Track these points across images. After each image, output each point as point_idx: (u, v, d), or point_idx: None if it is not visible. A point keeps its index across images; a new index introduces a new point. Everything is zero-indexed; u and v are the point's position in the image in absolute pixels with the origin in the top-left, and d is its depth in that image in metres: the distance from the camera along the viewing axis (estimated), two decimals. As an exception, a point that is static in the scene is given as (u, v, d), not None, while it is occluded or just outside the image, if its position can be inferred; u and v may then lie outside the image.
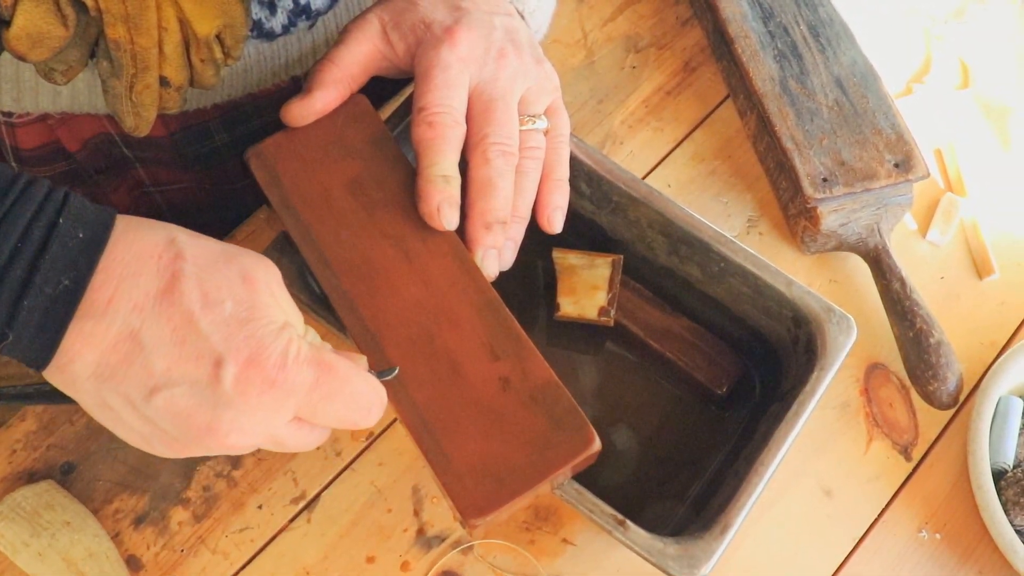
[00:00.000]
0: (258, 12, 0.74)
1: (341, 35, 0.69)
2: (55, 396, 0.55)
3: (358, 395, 0.55)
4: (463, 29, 0.66)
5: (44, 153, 0.81)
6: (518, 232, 0.68)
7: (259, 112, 0.84)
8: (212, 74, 0.68)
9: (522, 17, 0.72)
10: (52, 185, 0.52)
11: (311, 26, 0.79)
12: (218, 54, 0.67)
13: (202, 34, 0.64)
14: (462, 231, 0.66)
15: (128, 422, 0.53)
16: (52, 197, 0.52)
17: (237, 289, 0.53)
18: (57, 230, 0.51)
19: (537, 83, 0.69)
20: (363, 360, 0.59)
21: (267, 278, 0.54)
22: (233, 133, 0.85)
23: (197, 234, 0.55)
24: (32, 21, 0.60)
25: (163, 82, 0.67)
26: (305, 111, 0.68)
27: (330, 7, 0.79)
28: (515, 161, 0.66)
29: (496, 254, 0.66)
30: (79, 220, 0.51)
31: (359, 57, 0.68)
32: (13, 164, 0.86)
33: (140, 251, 0.52)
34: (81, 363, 0.51)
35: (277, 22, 0.76)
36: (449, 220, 0.64)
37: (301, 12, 0.76)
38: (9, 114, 0.78)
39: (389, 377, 0.60)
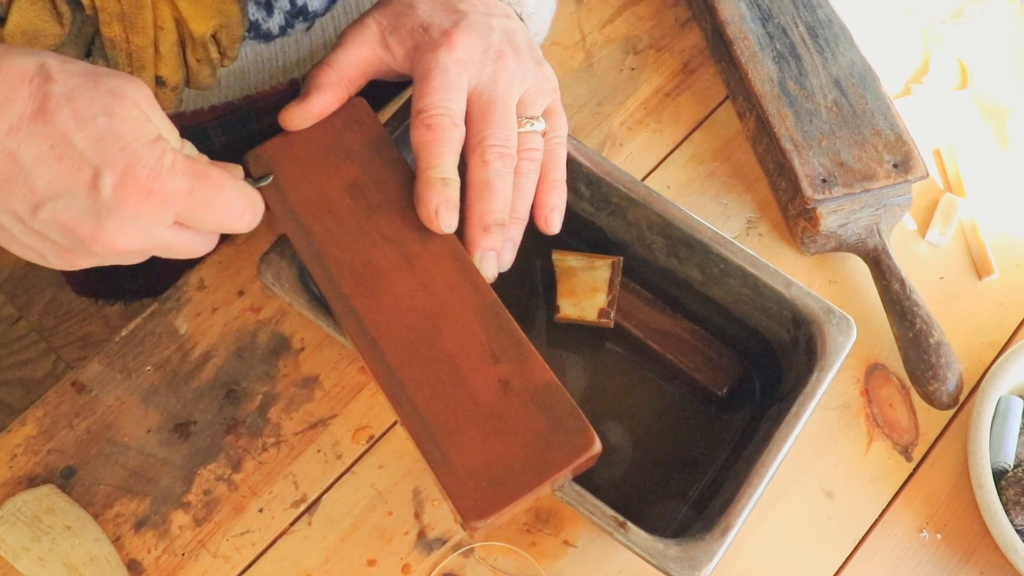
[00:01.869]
0: (255, 13, 0.74)
1: (339, 39, 0.69)
2: None
3: (232, 200, 0.58)
4: (461, 32, 0.66)
5: None
6: (517, 233, 0.68)
7: (257, 115, 0.84)
8: (208, 74, 0.68)
9: (521, 19, 0.73)
10: None
11: (308, 28, 0.79)
12: (214, 54, 0.67)
13: (198, 34, 0.64)
14: (461, 233, 0.66)
15: (21, 240, 0.56)
16: None
17: (108, 104, 0.55)
18: None
19: (536, 85, 0.69)
20: (238, 169, 0.62)
21: (136, 95, 0.56)
22: (231, 135, 0.85)
23: (67, 58, 0.56)
24: (27, 19, 0.60)
25: (159, 82, 0.67)
26: (303, 115, 0.68)
27: (327, 9, 0.79)
28: (513, 163, 0.66)
29: (495, 256, 0.66)
30: None
31: (357, 61, 0.68)
32: None
33: (11, 76, 0.54)
34: None
35: (274, 23, 0.76)
36: (447, 223, 0.64)
37: (298, 14, 0.77)
38: None
39: (264, 183, 0.65)
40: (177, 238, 0.58)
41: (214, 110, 0.81)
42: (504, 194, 0.65)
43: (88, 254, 0.56)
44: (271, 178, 0.66)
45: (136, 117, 0.55)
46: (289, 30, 0.78)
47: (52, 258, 0.57)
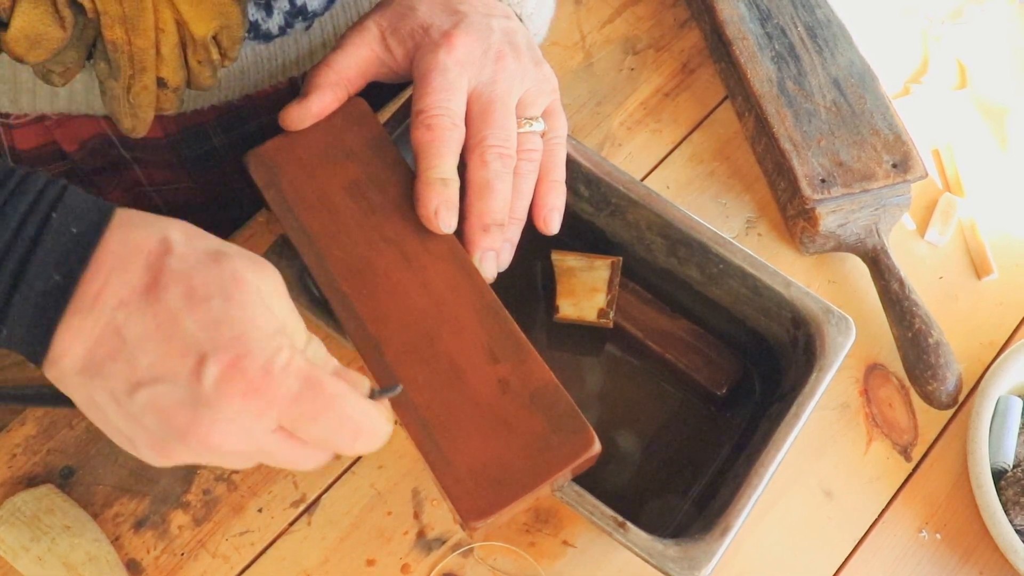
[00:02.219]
0: (254, 13, 0.74)
1: (339, 41, 0.69)
2: (51, 399, 0.55)
3: (344, 419, 0.53)
4: (461, 33, 0.66)
5: (41, 154, 0.82)
6: (515, 233, 0.68)
7: (256, 114, 0.84)
8: (209, 75, 0.68)
9: (520, 20, 0.73)
10: (49, 178, 0.52)
11: (308, 27, 0.79)
12: (215, 55, 0.67)
13: (199, 35, 0.64)
14: (460, 233, 0.66)
15: (114, 421, 0.52)
16: (47, 191, 0.52)
17: (228, 287, 0.51)
18: (50, 224, 0.51)
19: (535, 85, 0.69)
20: (364, 382, 0.56)
21: (260, 281, 0.53)
22: (231, 135, 0.85)
23: (195, 231, 0.54)
24: (30, 23, 0.60)
25: (160, 83, 0.67)
26: (302, 114, 0.68)
27: (327, 8, 0.79)
28: (512, 163, 0.66)
29: (494, 256, 0.66)
30: (73, 215, 0.51)
31: (356, 61, 0.68)
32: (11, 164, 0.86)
33: (132, 247, 0.51)
34: (71, 358, 0.51)
35: (274, 23, 0.76)
36: (447, 223, 0.64)
37: (297, 13, 0.77)
38: (6, 115, 0.78)
39: (391, 394, 0.57)
40: (280, 447, 0.53)
41: (214, 109, 0.81)
42: (503, 194, 0.65)
43: (183, 447, 0.52)
44: (399, 389, 0.58)
45: (254, 304, 0.52)
46: (288, 30, 0.78)
47: (143, 448, 0.53)
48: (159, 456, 0.53)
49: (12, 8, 0.59)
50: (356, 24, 0.69)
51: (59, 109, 0.76)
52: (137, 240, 0.52)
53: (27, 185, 0.52)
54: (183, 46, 0.65)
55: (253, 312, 0.51)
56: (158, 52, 0.65)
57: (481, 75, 0.67)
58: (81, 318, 0.50)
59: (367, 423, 0.54)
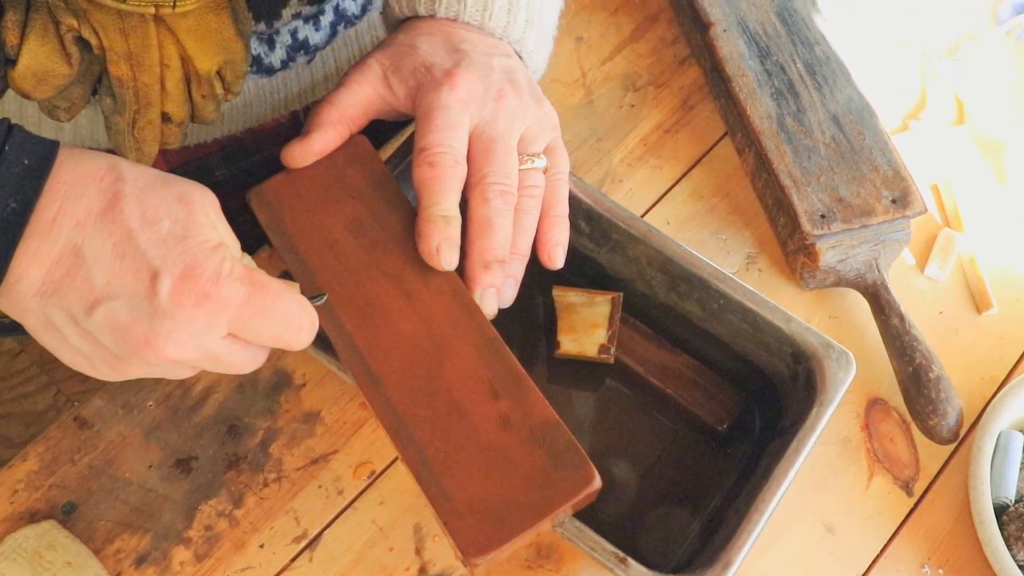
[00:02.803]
0: (257, 48, 0.75)
1: (342, 79, 0.70)
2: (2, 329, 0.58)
3: (289, 314, 0.58)
4: (463, 71, 0.67)
5: None
6: (518, 269, 0.68)
7: (259, 147, 0.85)
8: (213, 109, 0.69)
9: (520, 58, 0.73)
10: None
11: (309, 61, 0.80)
12: (219, 90, 0.68)
13: (203, 70, 0.65)
14: (462, 269, 0.66)
15: (71, 340, 0.55)
16: None
17: (175, 209, 0.55)
18: (3, 157, 0.53)
19: (536, 122, 0.70)
20: (295, 285, 0.61)
21: (203, 201, 0.57)
22: (233, 168, 0.86)
23: (137, 163, 0.57)
24: (37, 60, 0.61)
25: (165, 118, 0.68)
26: (304, 152, 0.68)
27: (328, 42, 0.80)
28: (514, 200, 0.67)
29: (495, 293, 0.66)
30: (23, 149, 0.54)
31: (359, 99, 0.69)
32: None
33: (83, 174, 0.54)
34: (28, 281, 0.54)
35: (276, 57, 0.77)
36: (448, 260, 0.65)
37: (300, 48, 0.77)
38: None
39: (319, 303, 0.63)
40: (228, 350, 0.57)
41: (217, 143, 0.82)
42: (504, 231, 0.66)
43: (138, 361, 0.55)
44: (325, 298, 0.65)
45: (201, 223, 0.56)
46: (291, 64, 0.79)
47: (100, 365, 0.57)
48: (114, 372, 0.57)
49: (20, 46, 0.60)
50: (358, 62, 0.70)
51: (64, 143, 0.77)
52: (89, 168, 0.55)
53: None
54: (187, 81, 0.66)
55: (199, 229, 0.55)
56: (163, 87, 0.66)
57: (483, 113, 0.67)
58: (39, 241, 0.53)
59: (306, 317, 0.59)
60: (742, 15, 0.94)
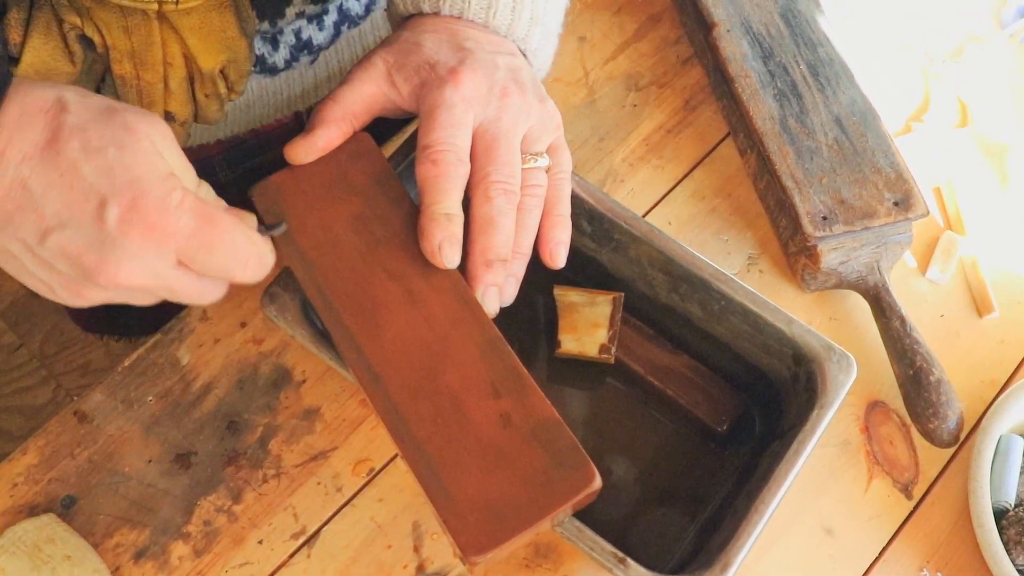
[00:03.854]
0: (261, 48, 0.75)
1: (346, 76, 0.70)
2: None
3: (236, 247, 0.58)
4: (467, 70, 0.67)
5: None
6: (520, 268, 0.68)
7: (262, 148, 0.85)
8: (216, 109, 0.69)
9: (525, 57, 0.73)
10: None
11: (313, 61, 0.79)
12: (222, 89, 0.68)
13: (207, 69, 0.65)
14: (464, 268, 0.66)
15: (30, 268, 0.57)
16: None
17: (120, 137, 0.55)
18: None
19: (540, 122, 0.70)
20: (252, 219, 0.62)
21: (150, 130, 0.57)
22: (236, 169, 0.86)
23: (87, 92, 0.57)
24: (40, 58, 0.61)
25: (168, 117, 0.68)
26: (308, 148, 0.68)
27: (332, 42, 0.79)
28: (516, 199, 0.67)
29: (497, 291, 0.66)
30: None
31: (362, 97, 0.69)
32: None
33: (29, 108, 0.55)
34: None
35: (280, 57, 0.77)
36: (450, 258, 0.65)
37: (303, 47, 0.77)
38: None
39: (277, 232, 0.64)
40: (180, 280, 0.58)
41: (220, 144, 0.82)
42: (507, 230, 0.66)
43: (94, 287, 0.56)
44: (284, 227, 0.65)
45: (147, 150, 0.56)
46: (294, 63, 0.78)
47: (60, 290, 0.57)
48: (75, 297, 0.58)
49: (23, 44, 0.60)
50: (362, 60, 0.70)
51: None
52: (35, 101, 0.55)
53: None
54: (191, 80, 0.66)
55: (145, 157, 0.56)
56: (166, 86, 0.66)
57: (486, 112, 0.67)
58: None
59: (256, 251, 0.60)
60: (745, 16, 0.94)
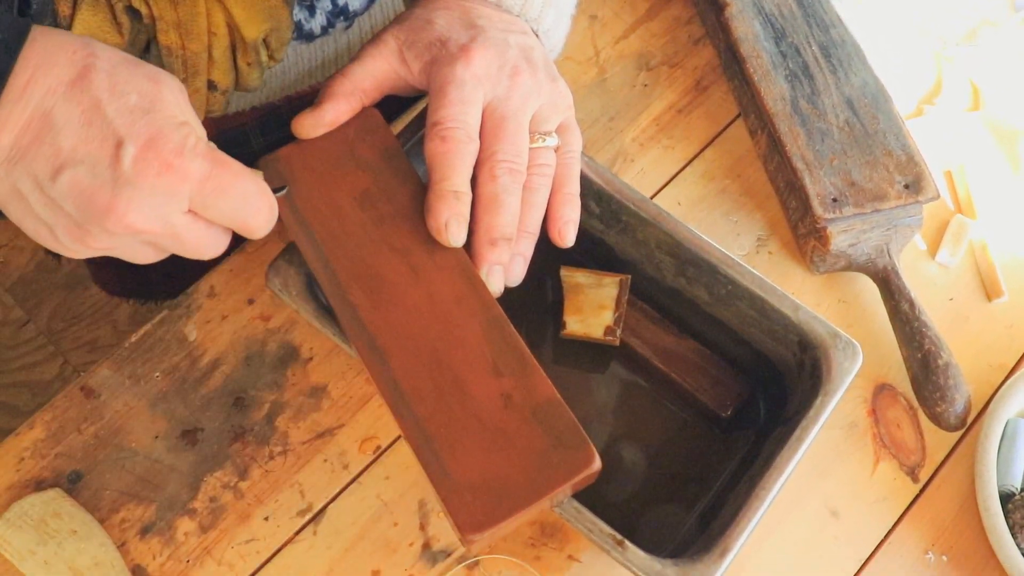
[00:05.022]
0: (298, 14, 0.75)
1: (357, 52, 0.70)
2: None
3: (249, 194, 0.59)
4: (478, 47, 0.67)
5: None
6: (527, 247, 0.68)
7: (296, 114, 0.85)
8: (256, 76, 0.69)
9: (537, 36, 0.73)
10: None
11: (348, 27, 0.80)
12: (263, 57, 0.68)
13: (250, 38, 0.66)
14: (469, 246, 0.66)
15: (36, 208, 0.56)
16: None
17: (143, 85, 0.56)
18: None
19: (550, 101, 0.70)
20: (259, 173, 0.62)
21: (171, 83, 0.57)
22: (269, 138, 0.86)
23: (110, 46, 0.58)
24: (89, 29, 0.62)
25: (211, 86, 0.68)
26: (315, 122, 0.68)
27: (367, 7, 0.80)
28: (522, 179, 0.67)
29: (501, 270, 0.66)
30: None
31: (372, 73, 0.69)
32: None
33: (56, 47, 0.55)
34: None
35: (316, 23, 0.77)
36: (456, 236, 0.65)
37: (339, 13, 0.78)
38: None
39: (280, 194, 0.65)
40: (189, 228, 0.58)
41: (255, 111, 0.82)
42: (512, 208, 0.66)
43: (100, 231, 0.56)
44: (286, 190, 0.66)
45: (168, 100, 0.56)
46: (330, 29, 0.79)
47: (63, 236, 0.57)
48: (77, 243, 0.57)
49: (72, 16, 0.61)
50: (374, 37, 0.70)
51: None
52: (63, 42, 0.55)
53: None
54: (232, 49, 0.67)
55: (165, 105, 0.56)
56: (210, 56, 0.66)
57: (496, 90, 0.67)
58: (10, 108, 0.54)
59: (267, 201, 0.61)
60: (758, -4, 0.93)
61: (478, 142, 0.66)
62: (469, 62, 0.66)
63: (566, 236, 0.70)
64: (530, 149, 0.68)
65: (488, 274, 0.66)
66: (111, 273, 1.14)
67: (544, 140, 0.69)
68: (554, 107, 0.70)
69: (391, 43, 0.69)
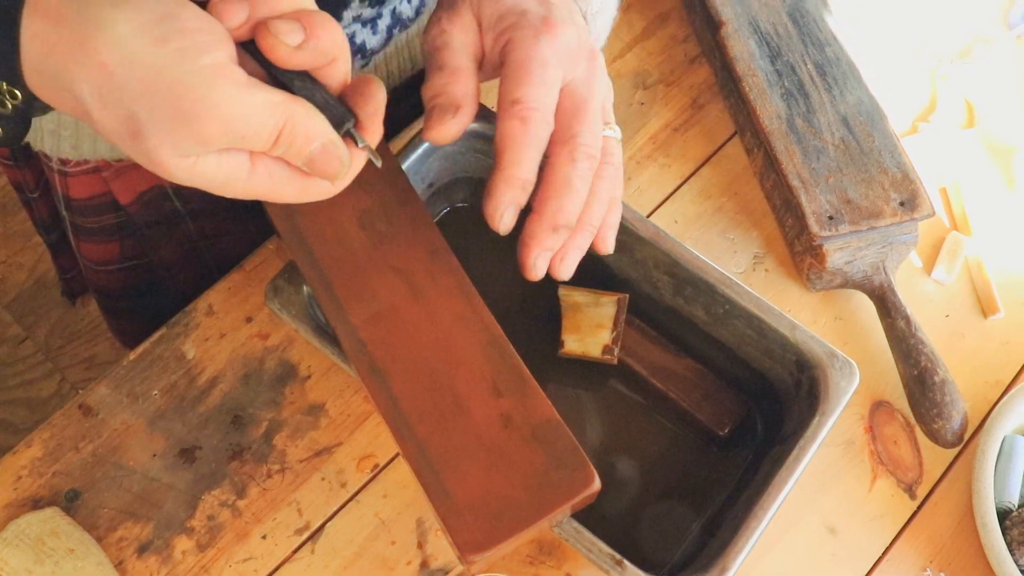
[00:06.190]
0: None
1: (440, 39, 0.64)
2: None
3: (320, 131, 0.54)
4: (559, 23, 0.62)
5: (95, 204, 0.82)
6: (585, 241, 0.64)
7: None
8: None
9: (584, 20, 0.69)
10: None
11: (364, 66, 0.79)
12: None
13: None
14: (524, 228, 0.62)
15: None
16: None
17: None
18: None
19: (609, 91, 0.67)
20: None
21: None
22: None
23: None
24: None
25: None
26: (458, 128, 0.63)
27: (383, 46, 0.79)
28: (595, 167, 0.63)
29: (549, 257, 0.63)
30: None
31: (468, 57, 0.64)
32: (64, 212, 0.87)
33: None
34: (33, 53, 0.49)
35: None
36: (509, 225, 0.62)
37: (357, 52, 0.77)
38: (66, 162, 0.79)
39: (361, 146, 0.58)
40: (267, 167, 0.53)
41: None
42: (582, 196, 0.62)
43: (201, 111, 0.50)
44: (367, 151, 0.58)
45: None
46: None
47: (156, 122, 0.50)
48: (176, 123, 0.50)
49: None
50: (449, 11, 0.65)
51: (118, 155, 0.77)
52: None
53: None
54: None
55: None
56: None
57: (575, 71, 0.63)
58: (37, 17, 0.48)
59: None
60: (753, 15, 0.93)
61: (553, 125, 0.62)
62: (554, 37, 0.61)
63: (608, 242, 0.66)
64: (603, 137, 0.64)
65: (536, 259, 0.62)
66: (127, 323, 1.10)
67: (613, 130, 0.65)
68: (610, 98, 0.67)
69: (468, 16, 0.64)
